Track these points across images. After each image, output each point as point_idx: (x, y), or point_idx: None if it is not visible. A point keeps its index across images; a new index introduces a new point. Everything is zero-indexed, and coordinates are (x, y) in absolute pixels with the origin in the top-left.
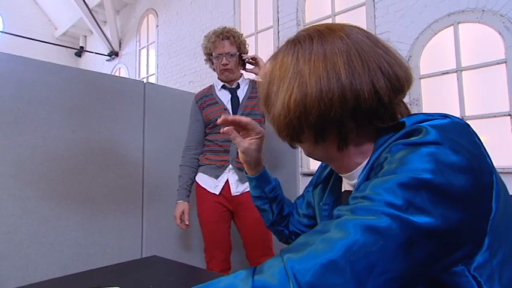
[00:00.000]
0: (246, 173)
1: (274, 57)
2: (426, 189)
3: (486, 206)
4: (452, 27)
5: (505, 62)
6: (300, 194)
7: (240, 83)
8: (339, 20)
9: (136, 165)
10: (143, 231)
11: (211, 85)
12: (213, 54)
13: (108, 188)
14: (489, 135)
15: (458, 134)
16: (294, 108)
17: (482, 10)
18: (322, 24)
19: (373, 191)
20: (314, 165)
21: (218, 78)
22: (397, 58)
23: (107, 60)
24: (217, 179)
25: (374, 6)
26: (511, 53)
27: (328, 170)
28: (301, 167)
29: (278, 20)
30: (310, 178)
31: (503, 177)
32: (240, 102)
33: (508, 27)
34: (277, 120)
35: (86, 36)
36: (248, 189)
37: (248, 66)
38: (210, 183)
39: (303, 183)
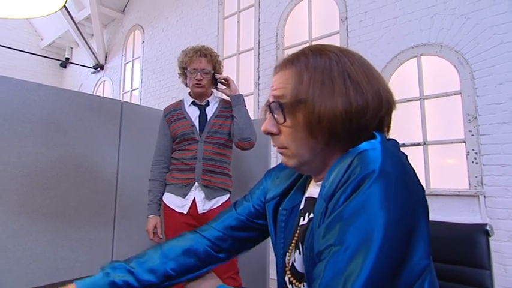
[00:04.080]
0: None
1: (297, 60)
2: None
3: None
4: (416, 58)
5: (460, 93)
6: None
7: (210, 100)
8: None
9: (110, 182)
10: (113, 245)
11: (181, 100)
12: (188, 69)
13: (81, 203)
14: (447, 160)
15: None
16: (355, 107)
17: (441, 45)
18: (333, 45)
19: None
20: None
21: (189, 93)
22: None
23: (92, 73)
24: (184, 197)
25: (347, 35)
26: (465, 85)
27: (291, 179)
28: None
29: (259, 43)
30: None
31: (459, 200)
32: (208, 119)
33: (461, 62)
34: (323, 117)
35: (71, 48)
36: (215, 206)
37: (220, 86)
38: (178, 203)
39: None
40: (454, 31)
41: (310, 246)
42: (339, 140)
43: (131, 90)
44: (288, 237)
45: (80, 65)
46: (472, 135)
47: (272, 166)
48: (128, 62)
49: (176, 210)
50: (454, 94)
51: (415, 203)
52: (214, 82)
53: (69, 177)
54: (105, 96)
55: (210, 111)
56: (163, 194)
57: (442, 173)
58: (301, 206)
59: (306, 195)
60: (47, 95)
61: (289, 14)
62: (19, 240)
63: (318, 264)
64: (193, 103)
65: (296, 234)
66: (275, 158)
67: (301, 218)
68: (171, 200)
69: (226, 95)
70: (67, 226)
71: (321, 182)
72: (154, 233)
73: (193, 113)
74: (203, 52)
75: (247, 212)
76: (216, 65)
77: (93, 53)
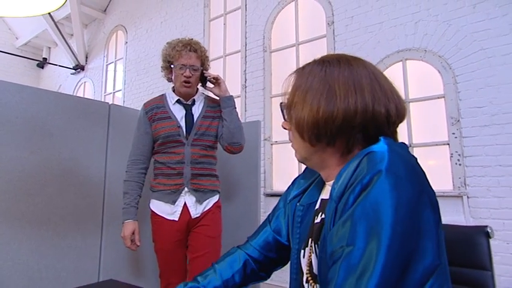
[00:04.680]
0: None
1: (302, 68)
2: None
3: None
4: (401, 63)
5: (444, 97)
6: (261, 215)
7: (195, 99)
8: (302, 49)
9: (97, 186)
10: (101, 252)
11: (162, 95)
12: (175, 64)
13: (67, 209)
14: (432, 162)
15: None
16: (322, 115)
17: (425, 50)
18: (344, 54)
19: None
20: (277, 185)
21: (174, 90)
22: (399, 94)
23: (72, 74)
24: (174, 204)
25: (334, 39)
26: (448, 90)
27: (312, 178)
28: (264, 187)
29: (246, 45)
30: (273, 199)
31: (443, 200)
32: (195, 120)
33: (445, 66)
34: (302, 121)
35: (49, 48)
36: (207, 208)
37: (208, 84)
38: (167, 210)
39: (266, 203)
40: (437, 37)
41: (322, 247)
42: (321, 143)
43: (113, 92)
44: (303, 234)
45: (59, 66)
46: (456, 137)
47: (262, 167)
48: (110, 63)
49: (166, 217)
50: (438, 98)
51: (423, 203)
52: (202, 80)
53: (54, 183)
54: (86, 97)
55: (196, 110)
56: (140, 196)
57: (427, 174)
58: (317, 206)
59: (322, 196)
60: (30, 96)
61: (276, 17)
62: (0, 250)
63: (333, 266)
64: (178, 101)
65: (312, 232)
66: (263, 161)
67: (316, 217)
68: (159, 207)
69: (215, 95)
70: (52, 234)
71: (331, 182)
72: (131, 240)
73: (179, 112)
74: (193, 47)
75: (277, 232)
76: (204, 61)
77: (73, 53)
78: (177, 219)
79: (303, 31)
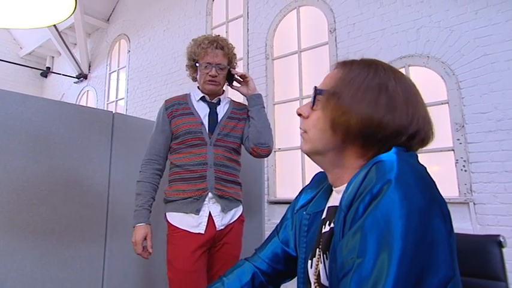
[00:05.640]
0: None
1: (351, 63)
2: None
3: None
4: (404, 69)
5: (448, 103)
6: (265, 222)
7: (221, 99)
8: (305, 56)
9: (101, 196)
10: (105, 262)
11: (186, 94)
12: (200, 62)
13: (71, 219)
14: (436, 168)
15: None
16: (377, 121)
17: (427, 56)
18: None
19: None
20: (281, 193)
21: (198, 88)
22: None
23: (75, 83)
24: (198, 213)
25: (336, 46)
26: (452, 95)
27: (319, 187)
28: (268, 195)
29: (248, 53)
30: (276, 206)
31: (449, 207)
32: (219, 120)
33: (448, 72)
34: (348, 117)
35: (53, 57)
36: (232, 221)
37: (235, 84)
38: (191, 222)
39: (270, 211)
40: (440, 43)
41: (332, 258)
42: (353, 143)
43: (116, 101)
44: (310, 243)
45: (62, 75)
46: (460, 143)
47: (266, 176)
48: (112, 72)
49: (191, 231)
50: (442, 104)
51: (433, 212)
52: (229, 78)
53: (58, 192)
54: (89, 106)
55: (221, 111)
56: (154, 199)
57: None
58: (324, 215)
59: (329, 204)
60: (35, 106)
61: (278, 25)
62: (3, 261)
63: (343, 279)
64: (202, 99)
65: (319, 241)
66: (266, 168)
67: (323, 226)
68: (181, 220)
69: (242, 94)
70: (56, 244)
71: (338, 188)
72: (143, 246)
73: (202, 110)
74: (220, 44)
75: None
76: (232, 59)
77: (76, 62)
78: (203, 232)
79: (305, 38)
